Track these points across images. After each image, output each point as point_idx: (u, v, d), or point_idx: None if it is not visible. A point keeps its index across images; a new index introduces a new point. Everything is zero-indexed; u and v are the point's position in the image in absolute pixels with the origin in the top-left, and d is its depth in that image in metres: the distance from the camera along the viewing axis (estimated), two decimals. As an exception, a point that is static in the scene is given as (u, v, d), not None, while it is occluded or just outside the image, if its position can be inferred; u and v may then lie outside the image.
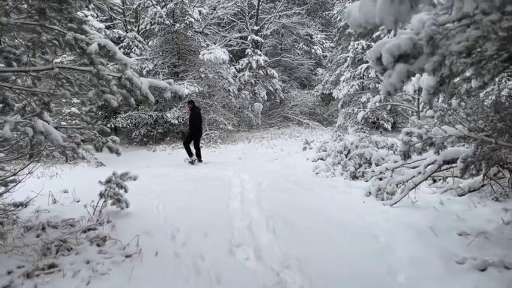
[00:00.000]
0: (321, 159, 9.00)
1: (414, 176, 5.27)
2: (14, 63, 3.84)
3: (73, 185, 5.97)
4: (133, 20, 18.98)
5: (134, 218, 4.69)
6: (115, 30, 17.79)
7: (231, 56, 18.31)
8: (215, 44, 17.45)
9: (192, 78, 15.57)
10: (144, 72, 14.77)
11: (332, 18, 23.55)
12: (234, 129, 17.28)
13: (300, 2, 25.53)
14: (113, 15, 18.96)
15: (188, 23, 15.45)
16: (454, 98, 4.56)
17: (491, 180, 5.02)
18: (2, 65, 3.82)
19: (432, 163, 5.12)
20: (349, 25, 2.07)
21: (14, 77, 3.88)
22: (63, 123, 6.03)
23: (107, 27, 17.61)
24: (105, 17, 18.68)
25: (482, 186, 5.15)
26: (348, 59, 17.99)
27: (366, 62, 16.78)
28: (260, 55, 19.43)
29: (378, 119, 16.97)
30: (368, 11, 1.81)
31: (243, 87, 19.15)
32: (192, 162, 10.17)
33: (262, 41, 20.96)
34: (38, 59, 4.13)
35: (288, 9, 22.80)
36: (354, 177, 7.09)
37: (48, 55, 4.03)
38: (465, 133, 4.04)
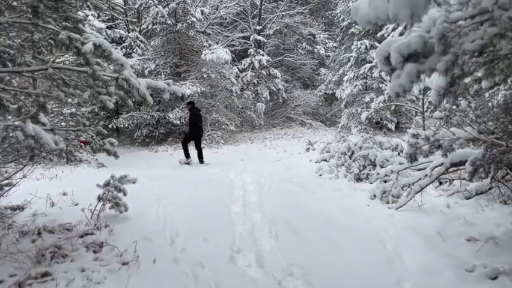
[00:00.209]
0: (325, 160, 8.86)
1: (420, 179, 5.13)
2: (9, 64, 3.74)
3: (72, 187, 5.87)
4: (135, 20, 18.89)
5: (133, 222, 4.59)
6: (117, 30, 17.73)
7: (234, 56, 18.22)
8: (217, 43, 17.34)
9: (194, 78, 15.47)
10: (146, 72, 14.69)
11: (335, 18, 23.45)
12: (236, 130, 17.16)
13: (302, 2, 25.39)
14: (115, 15, 18.90)
15: (190, 22, 15.35)
16: (461, 98, 4.42)
17: (499, 183, 4.89)
18: (-4, 66, 3.72)
19: (439, 165, 4.98)
20: (357, 22, 1.94)
21: (8, 78, 3.77)
22: (63, 124, 5.93)
23: (109, 27, 17.54)
24: (107, 17, 18.63)
25: (490, 188, 5.01)
26: (352, 58, 17.83)
27: (370, 61, 16.63)
28: (263, 55, 19.30)
29: (381, 119, 16.81)
30: (379, 6, 1.69)
31: (245, 87, 19.03)
32: (187, 164, 10.06)
33: (265, 40, 20.83)
34: (34, 59, 4.02)
35: (290, 8, 22.65)
36: (359, 179, 6.96)
37: (43, 55, 3.91)
38: (474, 135, 3.91)
